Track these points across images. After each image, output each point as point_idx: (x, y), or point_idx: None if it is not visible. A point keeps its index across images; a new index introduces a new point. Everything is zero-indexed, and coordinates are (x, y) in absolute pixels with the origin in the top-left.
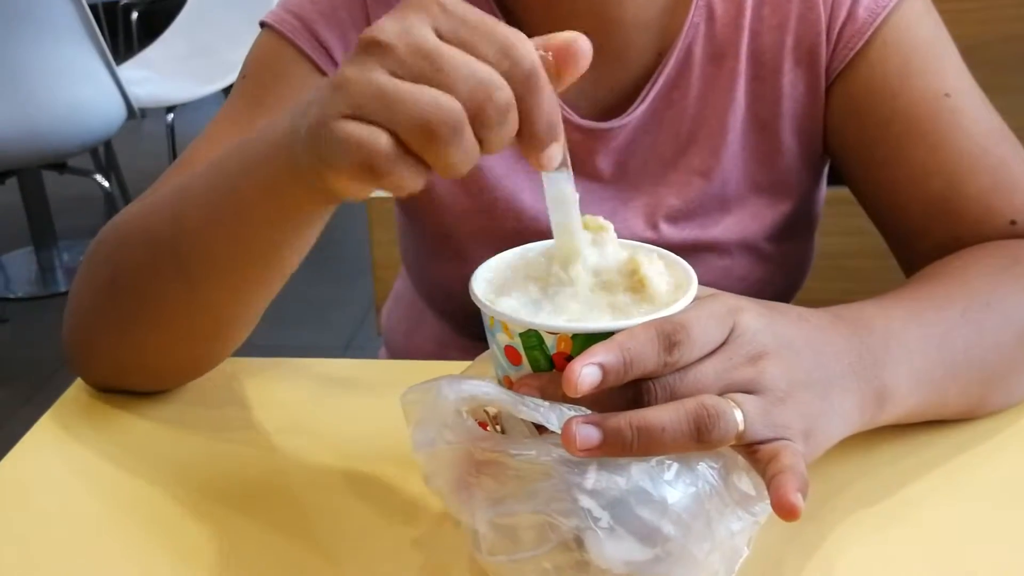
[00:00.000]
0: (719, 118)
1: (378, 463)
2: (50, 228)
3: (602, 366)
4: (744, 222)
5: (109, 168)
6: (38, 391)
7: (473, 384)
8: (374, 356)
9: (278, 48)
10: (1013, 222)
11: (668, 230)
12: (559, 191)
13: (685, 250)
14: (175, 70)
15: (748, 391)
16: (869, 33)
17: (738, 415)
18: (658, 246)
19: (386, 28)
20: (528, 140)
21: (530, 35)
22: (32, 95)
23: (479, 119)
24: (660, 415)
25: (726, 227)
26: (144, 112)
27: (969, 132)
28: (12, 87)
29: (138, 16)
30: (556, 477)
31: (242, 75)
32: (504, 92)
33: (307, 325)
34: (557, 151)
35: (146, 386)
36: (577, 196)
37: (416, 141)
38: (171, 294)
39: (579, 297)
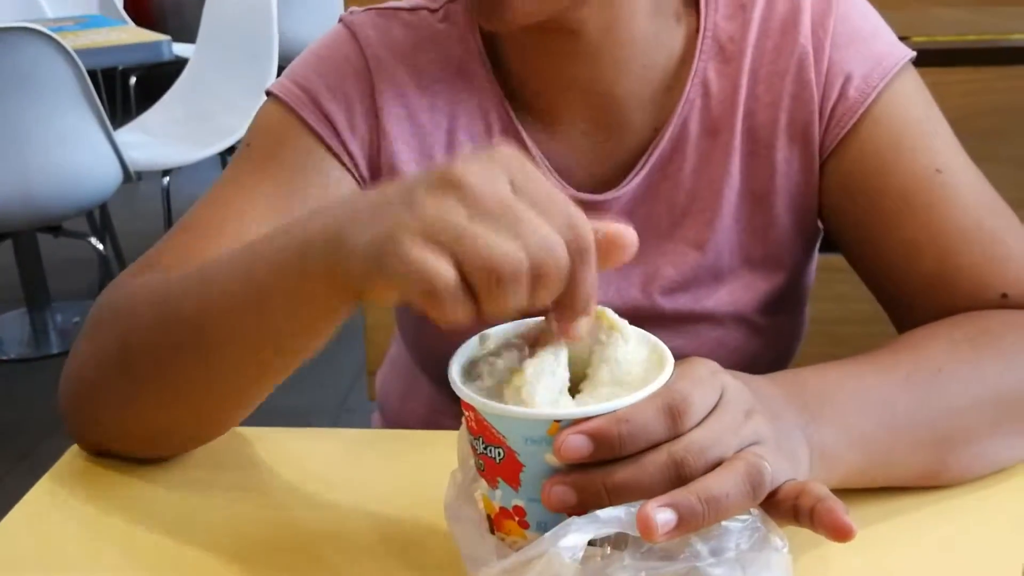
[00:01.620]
0: (714, 191)
1: (372, 534)
2: (43, 289)
3: (593, 435)
4: (737, 294)
5: (104, 230)
6: (30, 454)
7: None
8: (367, 418)
9: (282, 118)
10: (1004, 295)
11: (662, 300)
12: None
13: (679, 320)
14: (172, 134)
15: (754, 443)
16: (860, 112)
17: (768, 466)
18: (653, 316)
19: (469, 170)
20: (565, 308)
21: (524, 106)
22: (29, 159)
23: (538, 277)
24: (722, 484)
25: (719, 298)
26: (140, 175)
27: (961, 206)
28: (9, 151)
29: (136, 81)
30: None
31: (246, 143)
32: (565, 260)
33: (300, 385)
34: (586, 324)
35: (146, 453)
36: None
37: (480, 281)
38: (186, 374)
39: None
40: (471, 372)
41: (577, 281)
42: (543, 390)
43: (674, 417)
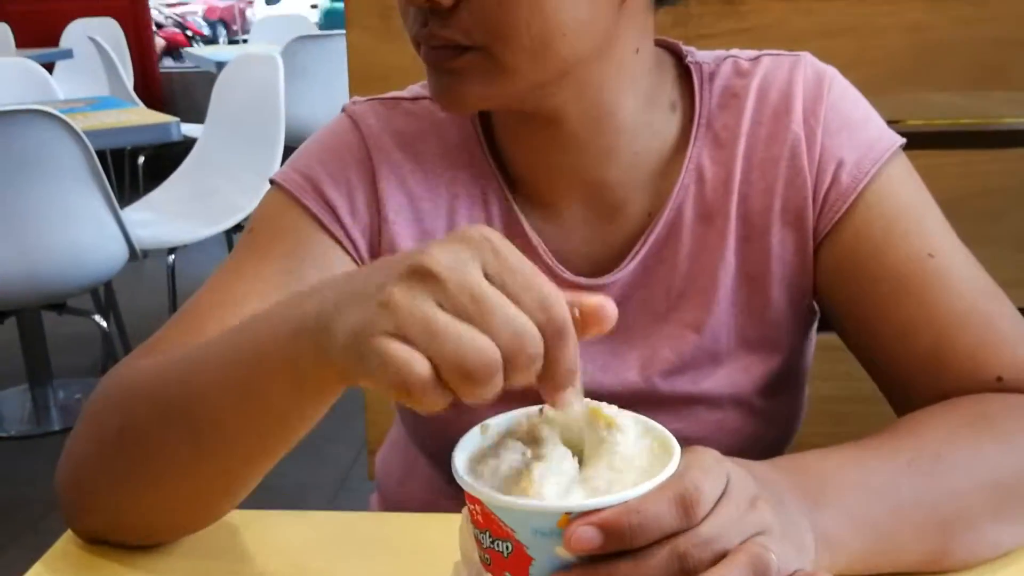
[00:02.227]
0: (710, 275)
1: None
2: (46, 366)
3: (604, 526)
4: (735, 376)
5: (108, 308)
6: (28, 532)
7: None
8: (366, 497)
9: (285, 206)
10: (999, 378)
11: (661, 383)
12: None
13: (677, 403)
14: (178, 212)
15: (759, 533)
16: (853, 198)
17: (773, 557)
18: (651, 399)
19: (439, 260)
20: (548, 383)
21: (523, 192)
22: (36, 238)
23: (511, 364)
24: None
25: (717, 381)
26: (146, 253)
27: (955, 290)
28: (17, 229)
29: (145, 160)
30: None
31: (249, 229)
32: (537, 346)
33: (300, 462)
34: (572, 395)
35: (141, 540)
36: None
37: (453, 377)
38: (180, 456)
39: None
40: (475, 463)
41: (554, 359)
42: (551, 486)
43: (686, 508)
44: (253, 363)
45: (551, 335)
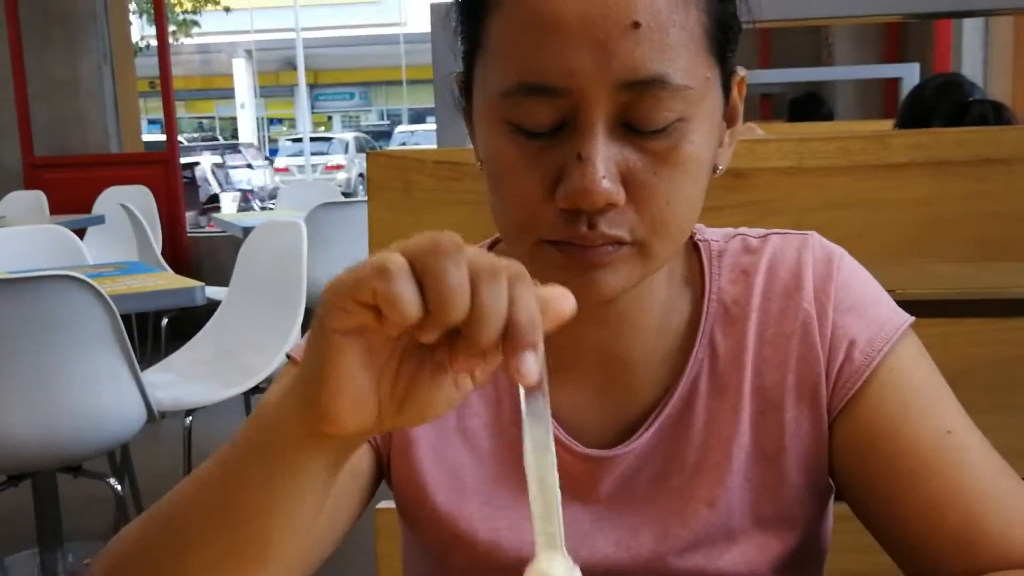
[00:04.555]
0: (724, 449)
1: None
2: (57, 531)
3: None
4: (751, 554)
5: (123, 470)
6: None
7: None
8: None
9: None
10: None
11: (675, 560)
12: (536, 407)
13: None
14: (197, 374)
15: None
16: (867, 375)
17: None
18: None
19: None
20: (508, 339)
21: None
22: (57, 400)
23: (475, 268)
24: None
25: (732, 559)
26: (164, 414)
27: (977, 466)
28: (37, 392)
29: (168, 321)
30: None
31: (265, 400)
32: (498, 260)
33: None
34: (533, 362)
35: None
36: (551, 420)
37: (420, 256)
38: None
39: None
40: None
41: (514, 297)
42: None
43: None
44: (232, 447)
45: (511, 278)
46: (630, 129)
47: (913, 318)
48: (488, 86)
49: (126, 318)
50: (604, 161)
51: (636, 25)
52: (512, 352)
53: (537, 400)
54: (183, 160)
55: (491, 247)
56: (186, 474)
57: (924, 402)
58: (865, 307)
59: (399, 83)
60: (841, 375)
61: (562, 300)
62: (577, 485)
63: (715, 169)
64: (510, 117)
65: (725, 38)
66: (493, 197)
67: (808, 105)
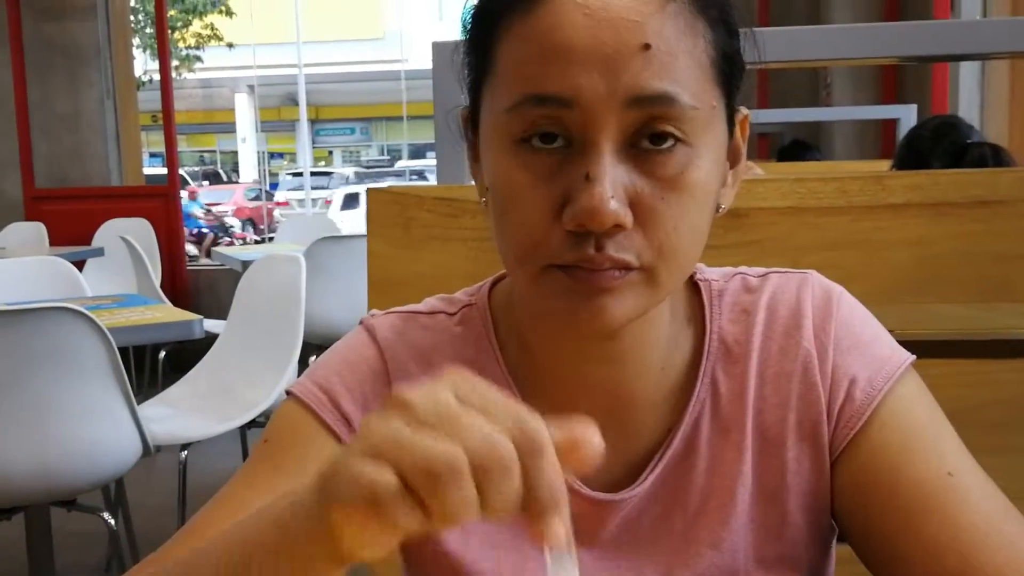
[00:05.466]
0: (728, 490)
1: None
2: (50, 565)
3: None
4: None
5: (118, 504)
6: None
7: None
8: None
9: (301, 418)
10: None
11: None
12: (562, 562)
13: None
14: (194, 407)
15: None
16: (868, 414)
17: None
18: None
19: (415, 391)
20: (530, 507)
21: (539, 406)
22: (50, 433)
23: (482, 469)
24: None
25: None
26: (159, 448)
27: (978, 508)
28: (32, 425)
29: (166, 354)
30: None
31: (264, 439)
32: (507, 448)
33: None
34: (559, 526)
35: None
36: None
37: (419, 479)
38: None
39: None
40: None
41: (532, 475)
42: None
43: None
44: (245, 551)
45: (526, 450)
46: (638, 150)
47: (914, 356)
48: (496, 106)
49: (123, 350)
50: (612, 182)
51: (646, 47)
52: (534, 520)
53: (563, 556)
54: None
55: (493, 285)
56: (180, 509)
57: (926, 442)
58: (865, 345)
59: (399, 118)
60: (843, 414)
61: (588, 444)
62: (582, 528)
63: (718, 208)
64: (517, 132)
65: (731, 72)
66: (499, 224)
67: (795, 151)
